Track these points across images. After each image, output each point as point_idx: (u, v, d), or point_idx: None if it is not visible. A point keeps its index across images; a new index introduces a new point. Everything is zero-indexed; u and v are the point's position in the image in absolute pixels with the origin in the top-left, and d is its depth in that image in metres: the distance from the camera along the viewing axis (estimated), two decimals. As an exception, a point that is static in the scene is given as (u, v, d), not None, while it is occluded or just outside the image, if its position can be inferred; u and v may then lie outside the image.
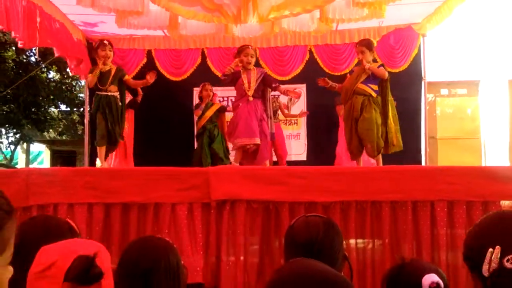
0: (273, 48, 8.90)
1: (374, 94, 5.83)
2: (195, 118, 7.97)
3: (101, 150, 6.17)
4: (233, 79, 6.16)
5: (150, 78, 6.21)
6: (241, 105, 6.05)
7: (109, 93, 6.18)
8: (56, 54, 7.44)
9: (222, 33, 7.78)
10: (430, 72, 8.71)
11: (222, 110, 7.74)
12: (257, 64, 8.60)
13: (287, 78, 8.75)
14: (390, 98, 6.04)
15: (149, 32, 8.03)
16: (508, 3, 9.50)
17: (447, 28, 8.71)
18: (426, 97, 8.58)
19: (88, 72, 6.48)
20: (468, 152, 8.42)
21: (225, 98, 8.85)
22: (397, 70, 8.52)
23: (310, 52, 8.86)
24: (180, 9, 6.66)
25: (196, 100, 8.46)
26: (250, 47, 6.20)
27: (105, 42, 6.29)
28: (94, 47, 6.44)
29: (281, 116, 8.32)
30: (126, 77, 6.46)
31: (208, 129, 7.42)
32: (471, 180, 4.26)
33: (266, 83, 6.17)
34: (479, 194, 4.21)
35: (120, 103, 6.25)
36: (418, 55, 8.63)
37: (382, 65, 6.02)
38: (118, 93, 6.26)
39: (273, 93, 6.92)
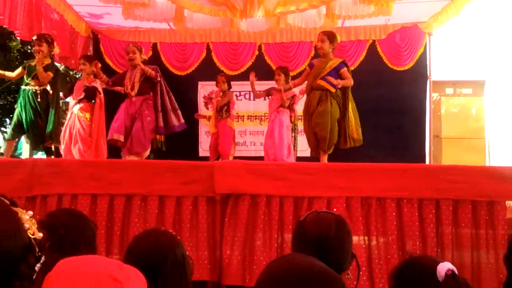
0: (279, 43, 8.86)
1: (332, 90, 5.65)
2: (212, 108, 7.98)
3: (9, 145, 6.33)
4: (120, 80, 6.41)
5: None
6: (123, 103, 6.31)
7: (28, 87, 6.00)
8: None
9: (228, 28, 7.75)
10: (436, 71, 8.69)
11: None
12: (262, 60, 8.64)
13: (292, 74, 8.71)
14: (350, 95, 5.88)
15: (154, 24, 8.00)
16: (515, 4, 9.46)
17: (453, 27, 8.67)
18: (431, 96, 8.55)
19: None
20: (472, 152, 8.37)
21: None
22: (402, 69, 8.53)
23: (315, 48, 8.81)
24: (186, 1, 6.64)
25: (201, 94, 8.46)
26: (131, 45, 6.42)
27: (34, 37, 6.06)
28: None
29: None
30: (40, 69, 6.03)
31: None
32: (477, 179, 4.24)
33: (150, 79, 6.26)
34: (485, 194, 4.19)
35: (39, 99, 5.99)
36: (423, 54, 8.61)
37: (343, 62, 5.85)
38: (41, 87, 6.02)
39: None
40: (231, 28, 7.74)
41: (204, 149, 8.44)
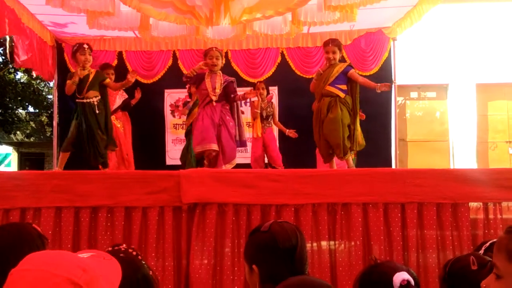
0: (245, 50, 8.89)
1: (342, 95, 5.71)
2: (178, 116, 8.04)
3: (63, 156, 5.91)
4: (196, 82, 6.07)
5: (131, 77, 5.91)
6: (200, 110, 6.03)
7: (85, 100, 5.72)
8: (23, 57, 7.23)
9: (194, 35, 7.74)
10: (400, 75, 8.81)
11: None
12: (229, 67, 8.65)
13: (259, 80, 8.75)
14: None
15: (120, 33, 7.92)
16: (475, 10, 9.68)
17: (417, 32, 8.79)
18: (396, 100, 8.68)
19: (67, 77, 5.87)
20: (437, 154, 8.55)
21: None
22: (368, 74, 8.58)
23: (282, 54, 8.88)
24: (151, 10, 6.59)
25: (167, 102, 8.41)
26: (215, 49, 6.08)
27: (85, 46, 5.80)
28: (72, 51, 5.89)
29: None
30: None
31: None
32: (441, 182, 4.32)
33: (227, 91, 6.01)
34: (449, 196, 4.28)
35: (98, 110, 5.74)
36: (388, 59, 8.72)
37: (350, 65, 5.97)
38: (97, 98, 5.78)
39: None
40: (197, 36, 7.72)
41: (171, 157, 8.38)
